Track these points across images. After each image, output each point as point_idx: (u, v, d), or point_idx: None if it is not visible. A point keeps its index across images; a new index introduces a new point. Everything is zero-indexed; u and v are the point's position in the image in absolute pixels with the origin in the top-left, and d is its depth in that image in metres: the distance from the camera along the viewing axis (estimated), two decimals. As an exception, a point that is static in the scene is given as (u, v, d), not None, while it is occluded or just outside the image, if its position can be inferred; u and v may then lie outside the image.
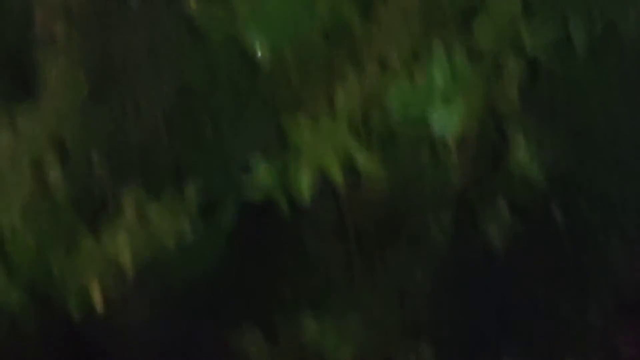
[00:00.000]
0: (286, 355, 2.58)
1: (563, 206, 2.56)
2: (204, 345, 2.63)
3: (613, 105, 2.47)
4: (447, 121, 1.98)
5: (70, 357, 2.60)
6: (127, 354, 2.68)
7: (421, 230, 2.42)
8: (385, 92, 2.02)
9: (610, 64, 2.40)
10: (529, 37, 2.02)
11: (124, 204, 2.16)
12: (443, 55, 1.97)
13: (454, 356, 2.62)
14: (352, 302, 2.49)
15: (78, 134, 2.25)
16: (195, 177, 2.28)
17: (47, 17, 2.32)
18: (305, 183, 1.94)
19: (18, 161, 2.09)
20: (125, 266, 2.10)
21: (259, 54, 2.07)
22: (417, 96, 1.98)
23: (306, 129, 2.00)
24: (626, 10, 2.26)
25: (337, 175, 1.97)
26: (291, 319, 2.50)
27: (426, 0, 2.08)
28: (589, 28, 2.14)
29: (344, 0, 2.12)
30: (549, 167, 2.39)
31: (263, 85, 2.27)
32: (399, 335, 2.53)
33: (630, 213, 2.60)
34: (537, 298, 2.66)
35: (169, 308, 2.64)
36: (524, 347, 2.69)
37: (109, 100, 2.41)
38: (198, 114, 2.48)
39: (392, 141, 2.20)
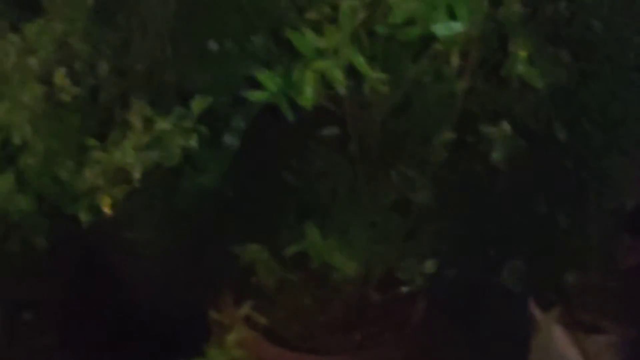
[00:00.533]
0: (292, 270, 2.62)
1: (565, 123, 2.58)
2: (210, 258, 2.67)
3: (614, 20, 2.47)
4: (450, 32, 1.98)
5: (78, 267, 2.65)
6: (134, 264, 2.72)
7: (424, 144, 2.43)
8: (389, 4, 2.02)
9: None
10: None
11: (131, 117, 2.18)
12: (447, -35, 1.96)
13: (456, 269, 2.66)
14: (356, 218, 2.50)
15: (85, 49, 2.26)
16: (201, 93, 2.28)
17: None
18: (309, 88, 1.95)
19: (29, 76, 2.10)
20: (133, 176, 2.11)
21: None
22: (421, 6, 1.98)
23: (311, 39, 2.00)
24: None
25: (339, 80, 1.97)
26: (296, 235, 2.51)
27: None
28: None
29: None
30: (550, 80, 2.41)
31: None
32: (402, 249, 2.55)
33: (630, 129, 2.61)
34: (538, 213, 2.69)
35: (176, 221, 2.68)
36: (527, 261, 2.73)
37: (114, 15, 2.42)
38: (201, 27, 2.50)
39: (395, 52, 2.21)
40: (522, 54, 2.06)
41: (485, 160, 2.48)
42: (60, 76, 2.07)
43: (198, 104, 2.15)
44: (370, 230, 2.51)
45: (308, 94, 1.99)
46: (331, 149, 2.54)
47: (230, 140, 2.73)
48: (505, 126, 2.45)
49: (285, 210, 2.58)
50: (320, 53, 2.01)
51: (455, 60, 2.25)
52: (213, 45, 2.54)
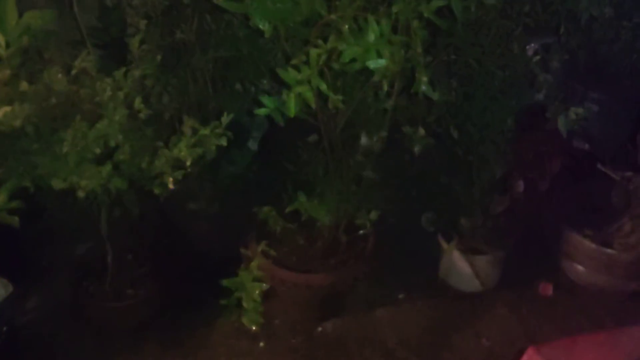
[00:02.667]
0: (290, 221, 2.54)
1: (456, 126, 2.50)
2: (241, 217, 2.58)
3: (485, 60, 2.39)
4: (379, 66, 1.89)
5: (158, 225, 2.56)
6: (193, 222, 2.65)
7: (368, 141, 2.35)
8: (340, 50, 1.93)
9: (481, 28, 2.31)
10: (425, 8, 1.92)
11: (184, 128, 2.09)
12: (375, 24, 1.88)
13: (392, 218, 2.58)
14: (329, 187, 2.43)
15: (156, 88, 2.18)
16: (230, 113, 2.17)
17: (134, 19, 2.24)
18: (292, 104, 1.87)
19: (119, 103, 2.01)
20: (186, 165, 2.02)
21: (264, 30, 1.98)
22: (360, 50, 1.89)
23: (292, 74, 1.91)
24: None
25: (311, 100, 1.89)
26: (293, 200, 2.45)
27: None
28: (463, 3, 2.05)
29: (316, 1, 2.01)
30: (445, 98, 2.33)
31: (266, 50, 2.19)
32: (358, 206, 2.48)
33: (496, 128, 2.52)
34: (442, 183, 2.61)
35: (218, 194, 2.60)
36: (437, 212, 2.65)
37: (174, 68, 2.35)
38: (230, 74, 2.42)
39: (346, 80, 2.13)
40: (424, 78, 1.95)
41: (408, 151, 2.41)
42: (138, 103, 1.98)
43: (225, 119, 2.05)
44: (338, 195, 2.43)
45: (292, 108, 1.91)
46: (313, 147, 2.46)
47: (252, 144, 2.66)
48: (421, 130, 2.37)
49: (286, 185, 2.49)
50: (299, 82, 1.92)
51: (385, 87, 2.16)
52: (238, 86, 2.47)
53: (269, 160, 2.61)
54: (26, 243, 2.53)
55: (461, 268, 2.66)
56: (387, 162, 2.46)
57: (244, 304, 2.26)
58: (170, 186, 2.05)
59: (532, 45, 2.56)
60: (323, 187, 2.43)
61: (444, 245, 2.68)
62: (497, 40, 2.40)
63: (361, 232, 2.58)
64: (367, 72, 2.05)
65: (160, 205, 2.31)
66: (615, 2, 2.51)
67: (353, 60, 1.91)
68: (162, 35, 2.29)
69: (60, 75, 1.95)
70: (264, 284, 2.26)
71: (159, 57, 2.22)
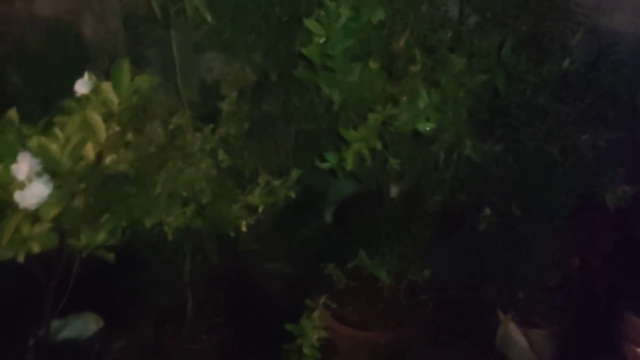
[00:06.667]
0: (352, 277, 2.86)
1: (518, 204, 2.72)
2: (307, 273, 2.94)
3: (541, 139, 2.63)
4: (427, 129, 2.27)
5: (233, 278, 2.95)
6: (263, 277, 3.01)
7: (424, 202, 2.66)
8: (396, 115, 2.32)
9: (536, 109, 2.59)
10: (470, 80, 2.30)
11: (259, 179, 2.49)
12: (425, 94, 2.27)
13: (442, 280, 2.85)
14: (388, 247, 2.75)
15: (238, 146, 2.61)
16: (308, 182, 2.57)
17: (226, 89, 2.72)
18: (350, 160, 2.24)
19: (205, 154, 2.45)
20: (259, 211, 2.41)
21: (334, 103, 2.40)
22: (412, 116, 2.28)
23: (352, 134, 2.31)
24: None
25: (367, 157, 2.26)
26: (354, 257, 2.79)
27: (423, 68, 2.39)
28: (507, 77, 2.40)
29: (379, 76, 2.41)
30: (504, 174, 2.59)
31: (335, 118, 2.60)
32: (415, 265, 2.78)
33: (556, 207, 2.75)
34: (500, 256, 2.83)
35: (289, 254, 2.97)
36: (495, 285, 2.84)
37: (258, 135, 2.79)
38: (308, 141, 2.84)
39: (405, 147, 2.48)
40: (468, 142, 2.31)
41: (468, 224, 2.69)
42: (221, 154, 2.40)
43: (295, 174, 2.45)
44: (397, 255, 2.75)
45: (350, 162, 2.29)
46: (377, 212, 2.80)
47: (327, 216, 3.05)
48: (487, 209, 2.67)
49: (351, 245, 2.82)
50: (357, 140, 2.30)
51: (442, 155, 2.50)
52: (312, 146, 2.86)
53: (338, 223, 2.98)
54: (119, 292, 3.00)
55: (517, 340, 2.88)
56: (442, 229, 2.76)
57: (304, 350, 2.59)
58: (243, 229, 2.45)
59: (592, 130, 2.82)
60: (383, 247, 2.76)
61: (502, 316, 2.92)
62: (554, 124, 2.71)
63: (422, 297, 2.86)
64: (426, 141, 2.43)
65: (238, 262, 2.72)
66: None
67: (407, 124, 2.30)
68: (251, 106, 2.77)
69: (159, 129, 2.44)
70: (323, 331, 2.59)
71: (246, 125, 2.68)
